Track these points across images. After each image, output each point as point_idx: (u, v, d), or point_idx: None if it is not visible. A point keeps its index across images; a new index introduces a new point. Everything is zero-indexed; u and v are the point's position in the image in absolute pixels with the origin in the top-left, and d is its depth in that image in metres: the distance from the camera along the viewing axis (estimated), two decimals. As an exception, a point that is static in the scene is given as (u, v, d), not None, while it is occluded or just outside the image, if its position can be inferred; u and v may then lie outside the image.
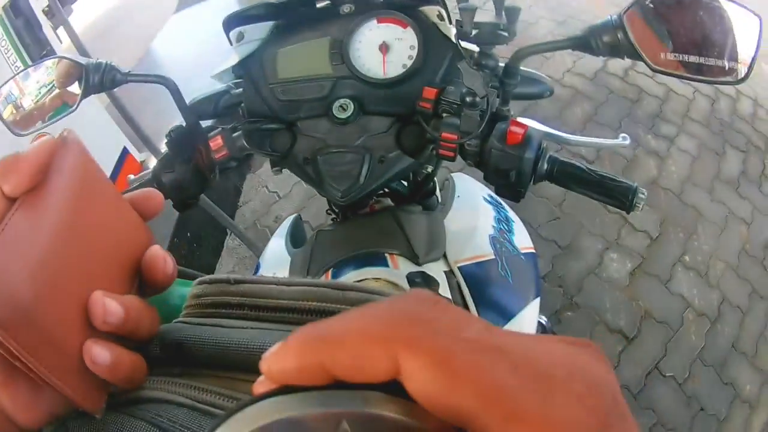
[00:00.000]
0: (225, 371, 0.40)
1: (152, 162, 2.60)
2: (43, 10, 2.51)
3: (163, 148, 0.97)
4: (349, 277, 0.86)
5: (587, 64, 3.22)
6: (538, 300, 1.00)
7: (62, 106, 0.95)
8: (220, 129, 0.97)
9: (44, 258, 0.34)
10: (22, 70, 0.99)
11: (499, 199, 1.17)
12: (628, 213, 0.81)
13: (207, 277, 0.48)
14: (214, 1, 4.06)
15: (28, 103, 0.98)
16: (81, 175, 0.39)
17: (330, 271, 0.91)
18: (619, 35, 0.72)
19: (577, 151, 2.68)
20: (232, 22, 0.94)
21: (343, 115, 0.92)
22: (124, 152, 2.63)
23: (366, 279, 0.84)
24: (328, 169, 0.92)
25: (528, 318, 0.97)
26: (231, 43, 0.96)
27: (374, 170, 0.91)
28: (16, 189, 0.35)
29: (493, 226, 1.06)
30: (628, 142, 0.97)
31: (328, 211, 1.20)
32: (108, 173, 2.62)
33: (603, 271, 2.36)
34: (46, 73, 0.97)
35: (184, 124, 0.97)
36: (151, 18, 3.86)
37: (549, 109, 2.93)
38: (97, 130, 2.46)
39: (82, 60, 0.91)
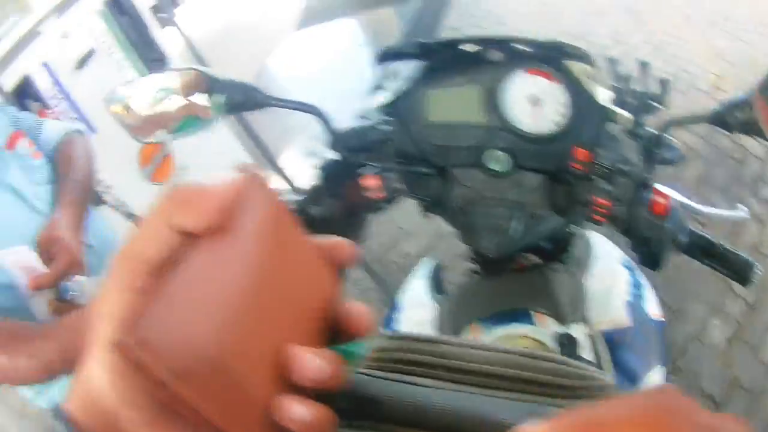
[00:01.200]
0: (419, 430, 0.39)
1: (273, 182, 2.57)
2: (151, 8, 2.41)
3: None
4: (496, 332, 0.87)
5: (700, 121, 3.13)
6: (664, 369, 1.00)
7: (191, 118, 0.94)
8: (378, 168, 0.95)
9: (232, 304, 0.32)
10: (149, 75, 0.97)
11: (633, 264, 1.15)
12: (744, 286, 0.83)
13: (396, 332, 0.49)
14: (335, 23, 4.02)
15: (145, 109, 0.94)
16: (270, 217, 0.36)
17: (477, 325, 0.92)
18: (750, 113, 0.74)
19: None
20: (387, 55, 0.95)
21: (498, 167, 0.91)
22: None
23: (514, 337, 0.86)
24: (482, 222, 0.92)
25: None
26: (380, 79, 0.98)
27: (527, 226, 0.91)
28: (197, 224, 0.31)
29: (629, 291, 1.06)
30: (746, 215, 0.96)
31: (472, 260, 1.15)
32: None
33: (706, 336, 2.33)
34: (170, 79, 0.94)
35: (334, 156, 0.97)
36: (271, 33, 3.72)
37: (666, 168, 2.86)
38: (217, 146, 2.39)
39: (221, 77, 0.92)
